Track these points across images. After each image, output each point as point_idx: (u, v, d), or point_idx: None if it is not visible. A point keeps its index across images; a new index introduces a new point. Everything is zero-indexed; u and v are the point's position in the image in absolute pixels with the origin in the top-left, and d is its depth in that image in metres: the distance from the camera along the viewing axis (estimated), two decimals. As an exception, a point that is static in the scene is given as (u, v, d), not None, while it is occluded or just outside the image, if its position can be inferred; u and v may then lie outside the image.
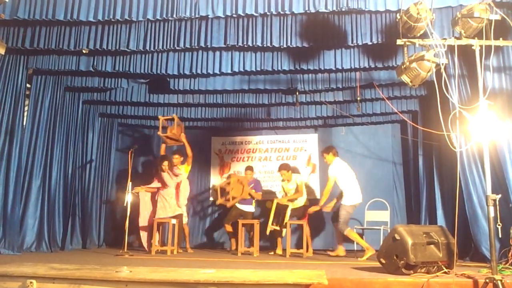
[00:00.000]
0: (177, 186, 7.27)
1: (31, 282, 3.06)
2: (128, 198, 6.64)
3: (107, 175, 8.50)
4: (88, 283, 3.04)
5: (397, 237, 3.95)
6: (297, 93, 7.30)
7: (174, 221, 6.92)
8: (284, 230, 6.70)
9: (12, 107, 6.18)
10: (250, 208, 7.33)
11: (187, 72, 6.35)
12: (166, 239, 7.15)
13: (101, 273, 3.16)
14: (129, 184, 6.73)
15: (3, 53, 4.90)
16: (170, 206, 7.12)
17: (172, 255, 6.59)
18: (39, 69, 6.53)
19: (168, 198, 7.12)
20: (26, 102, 6.56)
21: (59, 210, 6.93)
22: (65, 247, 6.90)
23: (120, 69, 6.39)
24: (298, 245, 7.34)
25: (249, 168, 7.62)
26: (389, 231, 5.26)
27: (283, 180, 7.16)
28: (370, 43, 5.48)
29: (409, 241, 3.85)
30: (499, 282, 3.19)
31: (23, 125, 6.35)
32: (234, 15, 5.26)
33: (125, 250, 6.33)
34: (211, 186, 8.97)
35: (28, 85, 6.59)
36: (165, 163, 7.25)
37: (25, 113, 6.50)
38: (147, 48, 5.79)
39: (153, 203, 7.30)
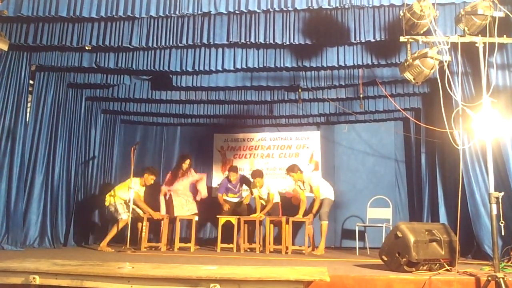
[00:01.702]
0: (194, 187, 7.45)
1: (33, 278, 3.08)
2: (131, 194, 6.64)
3: (109, 171, 8.51)
4: (91, 279, 3.05)
5: (399, 234, 3.95)
6: (300, 90, 7.28)
7: (197, 218, 7.03)
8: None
9: (15, 104, 6.19)
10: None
11: (189, 68, 6.35)
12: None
13: (103, 269, 3.17)
14: (132, 180, 6.74)
15: (6, 49, 4.91)
16: (187, 205, 7.31)
17: (190, 251, 6.64)
18: (42, 66, 6.54)
19: (186, 197, 7.34)
20: (29, 99, 6.57)
21: (61, 206, 6.95)
22: (68, 243, 6.91)
23: (123, 66, 6.39)
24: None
25: (234, 170, 7.57)
26: (391, 228, 5.26)
27: (254, 187, 7.35)
28: (373, 40, 5.46)
29: (411, 239, 3.85)
30: (501, 280, 3.19)
31: (26, 121, 6.36)
32: (236, 11, 5.24)
33: (127, 246, 6.34)
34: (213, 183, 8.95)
35: (31, 82, 6.60)
36: (187, 161, 7.40)
37: (28, 110, 6.50)
38: (150, 44, 5.79)
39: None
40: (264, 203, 7.33)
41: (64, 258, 4.12)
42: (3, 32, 5.24)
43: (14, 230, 5.90)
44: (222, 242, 6.79)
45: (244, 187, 7.77)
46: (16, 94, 6.22)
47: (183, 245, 6.89)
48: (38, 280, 3.08)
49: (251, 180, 7.40)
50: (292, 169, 6.98)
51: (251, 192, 7.50)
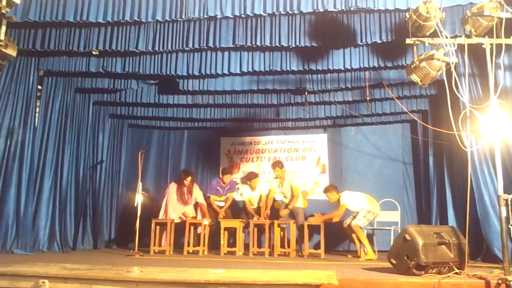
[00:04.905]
0: (195, 204, 7.51)
1: (43, 282, 3.09)
2: (138, 198, 6.66)
3: (117, 175, 8.55)
4: (100, 283, 3.06)
5: (408, 237, 3.93)
6: (306, 93, 7.29)
7: (206, 221, 7.03)
8: None
9: (24, 109, 6.24)
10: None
11: (196, 72, 6.37)
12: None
13: (112, 273, 3.18)
14: (139, 184, 6.76)
15: (14, 55, 4.93)
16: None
17: (203, 255, 6.66)
18: (50, 71, 6.59)
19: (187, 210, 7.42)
20: (37, 104, 6.62)
21: (70, 210, 6.98)
22: (77, 247, 6.94)
23: (130, 70, 6.43)
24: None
25: (229, 172, 7.73)
26: (399, 231, 5.23)
27: (252, 188, 7.51)
28: (379, 42, 5.46)
29: (420, 242, 3.83)
30: (511, 283, 3.16)
31: (35, 126, 6.41)
32: (242, 15, 5.26)
33: (136, 250, 6.36)
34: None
35: (39, 87, 6.65)
36: (189, 178, 7.42)
37: (37, 114, 6.55)
38: (156, 49, 5.82)
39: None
40: (254, 207, 7.49)
41: (73, 262, 4.15)
42: (11, 37, 5.27)
43: (24, 234, 5.93)
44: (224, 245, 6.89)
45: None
46: (24, 99, 6.27)
47: (192, 248, 6.90)
48: (47, 284, 3.09)
49: (248, 182, 7.51)
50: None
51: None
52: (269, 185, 7.59)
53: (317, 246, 6.67)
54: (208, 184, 8.16)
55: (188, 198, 7.47)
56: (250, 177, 7.48)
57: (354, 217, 6.59)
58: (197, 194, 7.54)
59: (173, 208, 7.37)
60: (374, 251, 6.48)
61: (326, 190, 7.04)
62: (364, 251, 6.46)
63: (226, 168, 7.92)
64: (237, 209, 8.01)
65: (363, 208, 6.59)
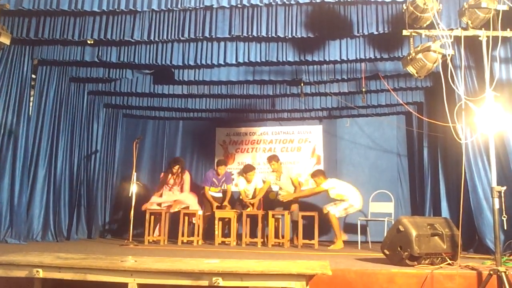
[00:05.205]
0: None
1: (37, 271, 3.09)
2: (133, 188, 6.67)
3: (112, 165, 8.54)
4: (94, 272, 3.06)
5: (401, 228, 3.96)
6: (302, 84, 7.27)
7: (200, 212, 7.07)
8: None
9: (18, 98, 6.20)
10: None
11: (191, 62, 6.34)
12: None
13: (106, 263, 3.18)
14: (134, 174, 6.76)
15: (8, 43, 4.89)
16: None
17: (197, 245, 6.68)
18: (44, 60, 6.53)
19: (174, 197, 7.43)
20: (32, 93, 6.57)
21: (64, 200, 6.97)
22: (71, 237, 6.95)
23: (125, 60, 6.38)
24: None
25: (223, 163, 7.72)
26: (393, 222, 5.26)
27: (248, 180, 7.44)
28: (376, 33, 5.44)
29: (413, 233, 3.86)
30: (503, 274, 3.20)
31: (29, 115, 6.37)
32: (239, 5, 5.22)
33: (130, 240, 6.37)
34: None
35: (33, 76, 6.59)
36: (176, 166, 7.40)
37: (31, 104, 6.50)
38: (152, 38, 5.77)
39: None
40: (249, 198, 7.44)
41: (67, 252, 4.14)
42: (5, 26, 5.21)
43: (18, 224, 5.92)
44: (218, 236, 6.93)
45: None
46: (18, 88, 6.22)
47: (186, 238, 6.92)
48: (41, 274, 3.09)
49: (244, 174, 7.47)
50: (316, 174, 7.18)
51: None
52: (265, 177, 7.60)
53: (311, 237, 6.68)
54: (203, 175, 8.17)
55: (175, 184, 7.46)
56: (246, 170, 7.44)
57: (335, 204, 6.69)
58: (185, 184, 7.51)
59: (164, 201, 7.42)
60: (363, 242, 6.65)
61: (313, 175, 7.14)
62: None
63: (221, 160, 7.91)
64: (232, 200, 8.01)
65: (348, 199, 6.67)
